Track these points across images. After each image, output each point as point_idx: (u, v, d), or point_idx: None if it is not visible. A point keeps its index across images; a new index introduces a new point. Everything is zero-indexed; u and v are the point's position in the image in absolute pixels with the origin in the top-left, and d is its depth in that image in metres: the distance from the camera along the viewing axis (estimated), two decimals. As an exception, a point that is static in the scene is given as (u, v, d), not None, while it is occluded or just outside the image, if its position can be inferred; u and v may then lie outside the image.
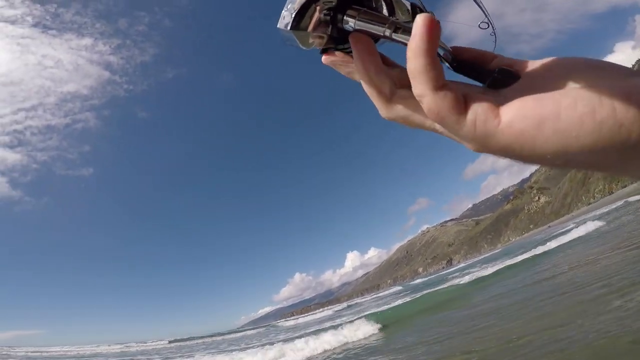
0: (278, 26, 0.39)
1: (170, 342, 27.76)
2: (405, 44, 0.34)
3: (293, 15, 0.38)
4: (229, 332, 33.45)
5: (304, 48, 0.40)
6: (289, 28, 0.38)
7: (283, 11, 0.38)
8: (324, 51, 0.40)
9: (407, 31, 0.34)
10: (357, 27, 0.37)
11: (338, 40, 0.40)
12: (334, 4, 0.37)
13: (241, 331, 33.03)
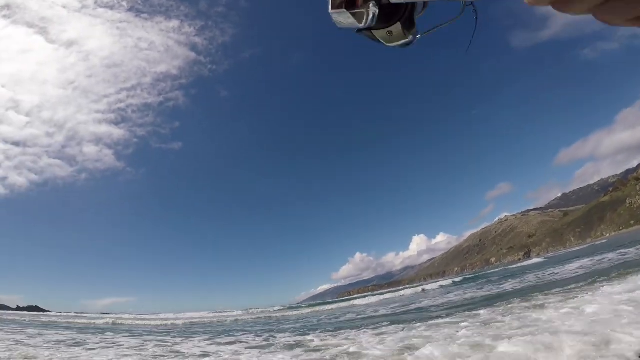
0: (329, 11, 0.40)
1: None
2: None
3: None
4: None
5: (358, 27, 0.42)
6: (330, 9, 0.40)
7: None
8: (365, 29, 0.42)
9: None
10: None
11: (388, 16, 0.41)
12: None
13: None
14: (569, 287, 8.24)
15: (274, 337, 8.33)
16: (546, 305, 6.07)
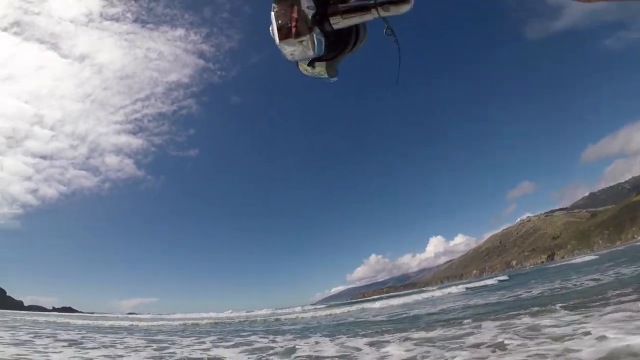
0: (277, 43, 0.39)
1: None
2: (397, 15, 0.37)
3: (275, 29, 0.41)
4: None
5: (309, 57, 0.43)
6: (277, 42, 0.40)
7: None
8: (317, 60, 0.42)
9: (394, 2, 0.36)
10: (347, 23, 0.39)
11: (335, 45, 0.42)
12: (314, 9, 0.39)
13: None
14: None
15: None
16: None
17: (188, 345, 8.14)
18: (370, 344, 6.17)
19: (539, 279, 19.50)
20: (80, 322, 19.51)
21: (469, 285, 26.35)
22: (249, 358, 5.92)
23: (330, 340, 7.47)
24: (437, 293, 23.95)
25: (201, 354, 6.61)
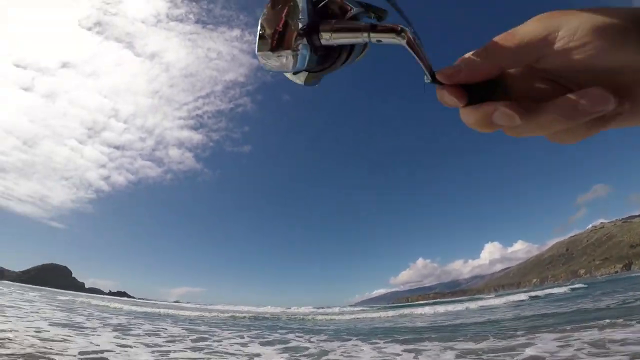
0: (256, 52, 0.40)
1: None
2: (387, 43, 0.37)
3: (257, 37, 0.40)
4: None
5: (288, 71, 0.42)
6: (256, 51, 0.39)
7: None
8: (299, 72, 0.43)
9: (385, 30, 0.36)
10: (336, 42, 0.39)
11: (324, 59, 0.42)
12: (304, 23, 0.38)
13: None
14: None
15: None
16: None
17: (227, 338, 8.20)
18: (408, 351, 5.69)
19: (619, 289, 16.93)
20: (131, 307, 20.91)
21: (532, 294, 23.02)
22: (283, 357, 5.74)
23: (366, 343, 7.07)
24: (495, 301, 21.88)
25: (237, 350, 6.56)
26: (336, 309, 32.42)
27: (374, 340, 7.61)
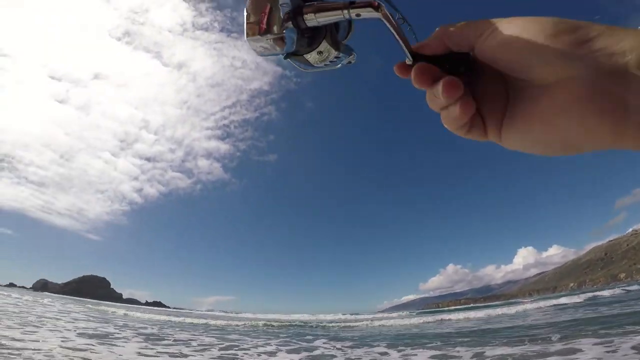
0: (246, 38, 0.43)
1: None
2: (367, 19, 0.39)
3: (244, 23, 0.43)
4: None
5: (278, 54, 0.45)
6: (245, 37, 0.43)
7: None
8: (293, 54, 0.46)
9: (362, 5, 0.39)
10: (321, 22, 0.42)
11: (311, 40, 0.45)
12: (289, 6, 0.41)
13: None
14: None
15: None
16: None
17: (255, 346, 8.18)
18: (436, 358, 5.45)
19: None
20: (165, 317, 21.30)
21: (576, 300, 19.38)
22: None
23: (394, 350, 6.84)
24: (533, 305, 20.22)
25: (265, 358, 6.50)
26: (364, 315, 31.90)
27: (401, 347, 7.36)
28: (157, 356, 5.75)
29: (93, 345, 6.11)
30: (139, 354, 5.79)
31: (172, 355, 6.00)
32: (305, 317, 32.84)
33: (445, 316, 20.13)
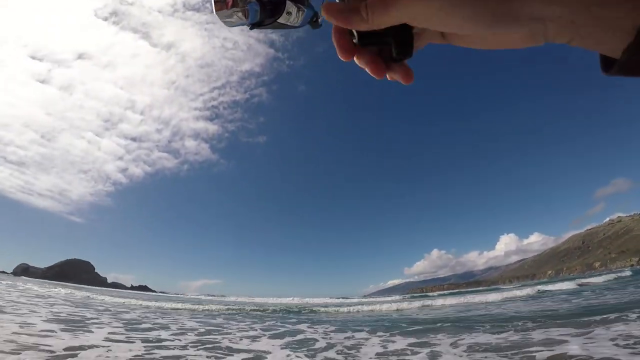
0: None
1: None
2: None
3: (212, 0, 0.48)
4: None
5: (245, 24, 0.51)
6: (214, 11, 0.48)
7: None
8: (257, 25, 0.51)
9: None
10: None
11: (272, 12, 0.50)
12: None
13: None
14: None
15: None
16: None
17: (238, 330, 8.00)
18: (413, 345, 5.36)
19: None
20: (156, 303, 20.94)
21: (566, 286, 19.35)
22: (291, 349, 5.48)
23: (374, 336, 6.77)
24: (517, 292, 20.40)
25: (247, 344, 6.32)
26: (349, 300, 32.19)
27: (379, 334, 7.30)
28: (128, 342, 5.42)
29: (55, 332, 5.69)
30: (107, 339, 5.44)
31: (145, 340, 5.74)
32: (295, 300, 32.98)
33: (428, 301, 20.39)
